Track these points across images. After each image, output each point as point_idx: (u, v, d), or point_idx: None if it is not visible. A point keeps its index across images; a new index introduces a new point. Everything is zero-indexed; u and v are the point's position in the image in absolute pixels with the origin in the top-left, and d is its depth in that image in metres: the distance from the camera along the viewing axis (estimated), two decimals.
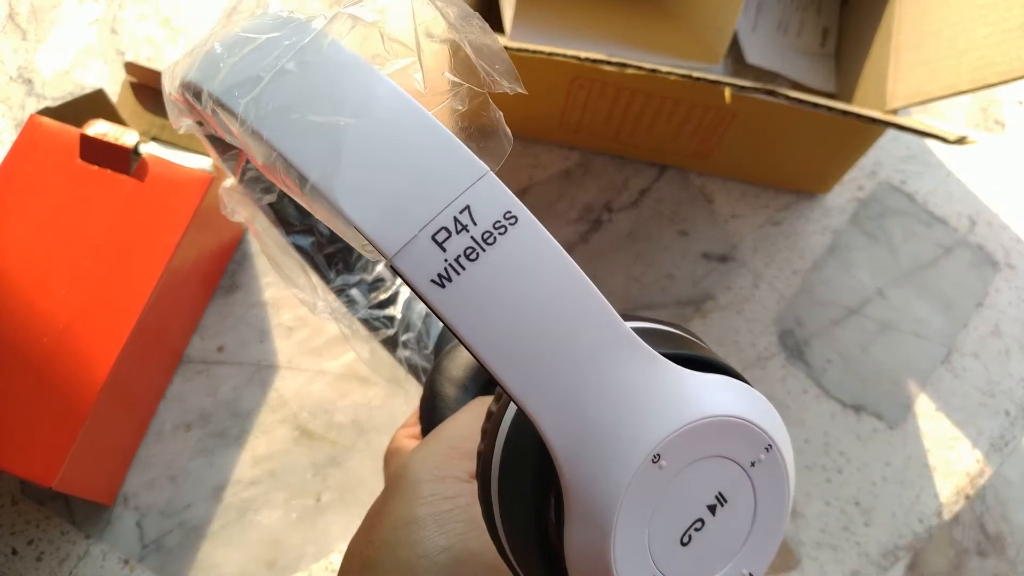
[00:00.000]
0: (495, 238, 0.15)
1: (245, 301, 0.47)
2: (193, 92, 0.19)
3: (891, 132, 0.46)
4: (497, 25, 0.50)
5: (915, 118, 0.45)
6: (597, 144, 0.52)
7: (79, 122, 0.41)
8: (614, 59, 0.41)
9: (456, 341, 0.37)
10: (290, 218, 0.37)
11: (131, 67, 0.50)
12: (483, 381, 0.35)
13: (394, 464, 0.30)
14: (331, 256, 0.39)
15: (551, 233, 0.16)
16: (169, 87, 0.22)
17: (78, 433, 0.37)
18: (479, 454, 0.20)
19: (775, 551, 0.18)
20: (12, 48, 0.53)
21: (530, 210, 0.16)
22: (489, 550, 0.21)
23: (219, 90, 0.17)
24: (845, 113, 0.41)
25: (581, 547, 0.17)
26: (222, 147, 0.33)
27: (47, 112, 0.43)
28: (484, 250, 0.15)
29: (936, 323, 0.50)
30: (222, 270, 0.48)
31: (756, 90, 0.42)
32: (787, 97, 0.41)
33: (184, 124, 0.27)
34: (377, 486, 0.44)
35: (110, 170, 0.41)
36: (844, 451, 0.47)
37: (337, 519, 0.43)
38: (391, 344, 0.40)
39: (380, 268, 0.40)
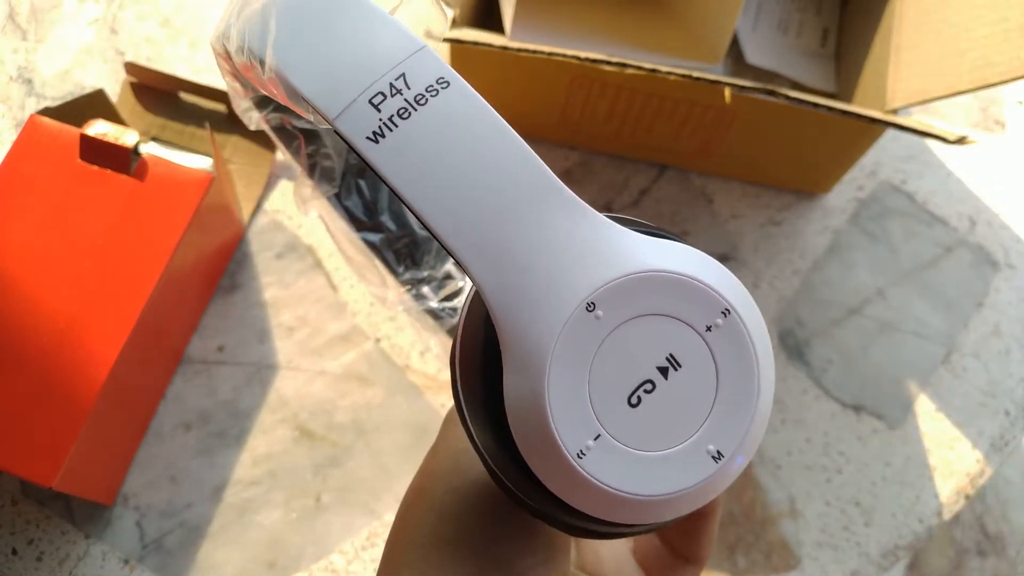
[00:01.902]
0: (427, 99, 0.17)
1: (245, 301, 0.47)
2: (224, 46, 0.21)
3: (891, 132, 0.46)
4: (497, 25, 0.50)
5: (915, 118, 0.45)
6: (597, 144, 0.52)
7: (79, 122, 0.41)
8: (614, 59, 0.41)
9: None
10: (359, 215, 0.38)
11: (131, 67, 0.50)
12: None
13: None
14: (399, 252, 0.40)
15: None
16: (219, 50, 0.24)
17: (78, 433, 0.37)
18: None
19: (748, 433, 0.17)
20: (12, 48, 0.53)
21: None
22: None
23: (224, 30, 0.19)
24: (845, 113, 0.41)
25: (517, 397, 0.16)
26: (285, 139, 0.33)
27: (47, 112, 0.43)
28: (416, 109, 0.17)
29: (936, 323, 0.50)
30: (222, 270, 0.48)
31: (756, 90, 0.42)
32: (787, 97, 0.41)
33: (244, 113, 0.29)
34: (377, 486, 0.44)
35: (110, 170, 0.41)
36: (844, 451, 0.47)
37: (337, 519, 0.43)
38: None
39: (449, 266, 0.41)
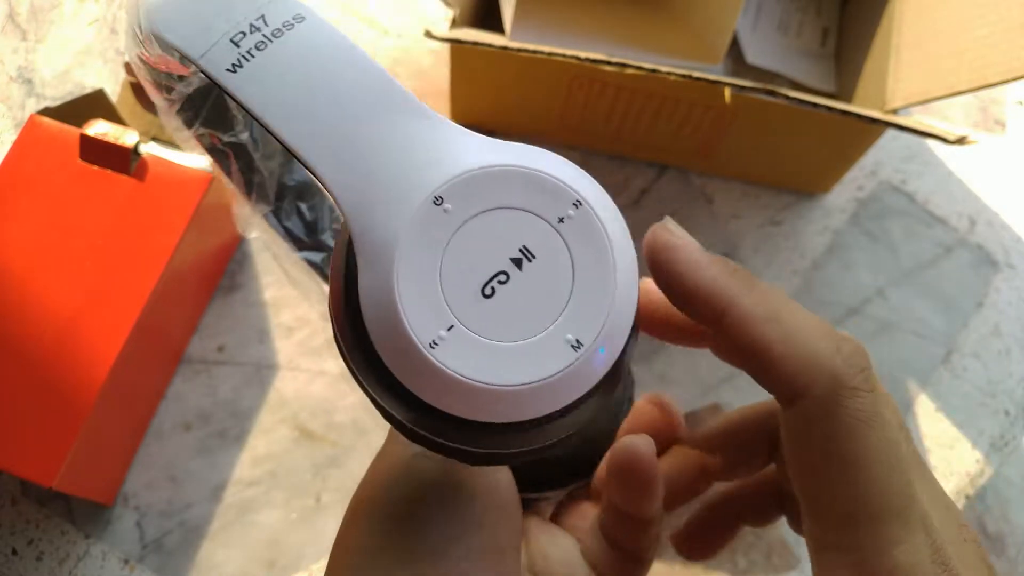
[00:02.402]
0: (283, 33, 0.18)
1: (245, 301, 0.47)
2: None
3: (891, 132, 0.46)
4: (497, 25, 0.50)
5: (915, 118, 0.45)
6: (597, 144, 0.52)
7: (79, 122, 0.41)
8: (614, 59, 0.41)
9: None
10: (299, 235, 0.38)
11: (131, 67, 0.50)
12: None
13: None
14: None
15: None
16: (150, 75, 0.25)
17: (78, 433, 0.37)
18: None
19: (608, 323, 0.17)
20: (12, 48, 0.53)
21: None
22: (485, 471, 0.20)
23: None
24: (845, 113, 0.41)
25: (369, 294, 0.17)
26: (219, 159, 0.33)
27: (47, 112, 0.43)
28: (271, 41, 0.18)
29: (936, 323, 0.50)
30: (222, 270, 0.48)
31: (756, 90, 0.42)
32: (787, 97, 0.41)
33: (184, 139, 0.28)
34: None
35: (110, 170, 0.41)
36: None
37: (337, 519, 0.43)
38: None
39: None
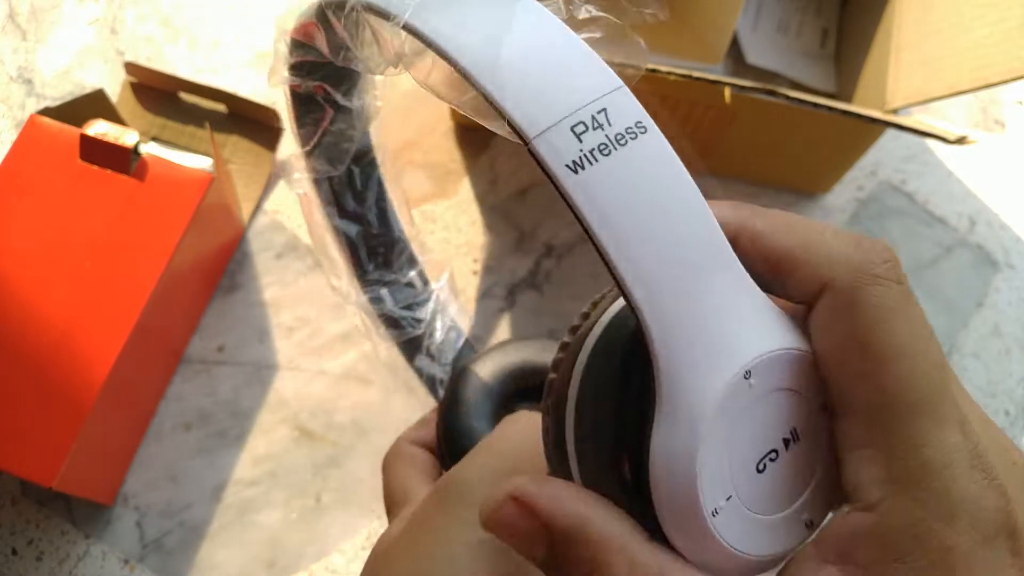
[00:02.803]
0: (627, 140, 0.17)
1: (245, 301, 0.47)
2: (335, 8, 0.21)
3: (891, 132, 0.46)
4: None
5: (915, 118, 0.45)
6: None
7: (79, 122, 0.41)
8: (614, 59, 0.41)
9: (478, 354, 0.36)
10: (345, 202, 0.37)
11: (131, 67, 0.50)
12: (508, 391, 0.34)
13: (417, 478, 0.30)
14: (373, 249, 0.38)
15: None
16: (288, 24, 0.25)
17: (78, 433, 0.37)
18: (550, 383, 0.19)
19: (832, 507, 0.18)
20: (12, 48, 0.53)
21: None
22: None
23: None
24: (845, 113, 0.41)
25: (666, 448, 0.17)
26: (306, 110, 0.32)
27: (47, 112, 0.43)
28: (616, 149, 0.17)
29: (936, 323, 0.50)
30: (222, 270, 0.48)
31: (756, 90, 0.42)
32: (787, 97, 0.41)
33: (280, 77, 0.28)
34: (377, 486, 0.44)
35: (110, 170, 0.41)
36: None
37: (337, 519, 0.43)
38: (411, 348, 0.40)
39: (413, 274, 0.40)
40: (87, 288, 0.39)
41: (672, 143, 0.18)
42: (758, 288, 0.18)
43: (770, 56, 0.54)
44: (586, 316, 0.20)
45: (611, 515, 0.17)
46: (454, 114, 0.52)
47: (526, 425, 0.26)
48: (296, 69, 0.30)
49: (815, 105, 0.41)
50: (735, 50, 0.54)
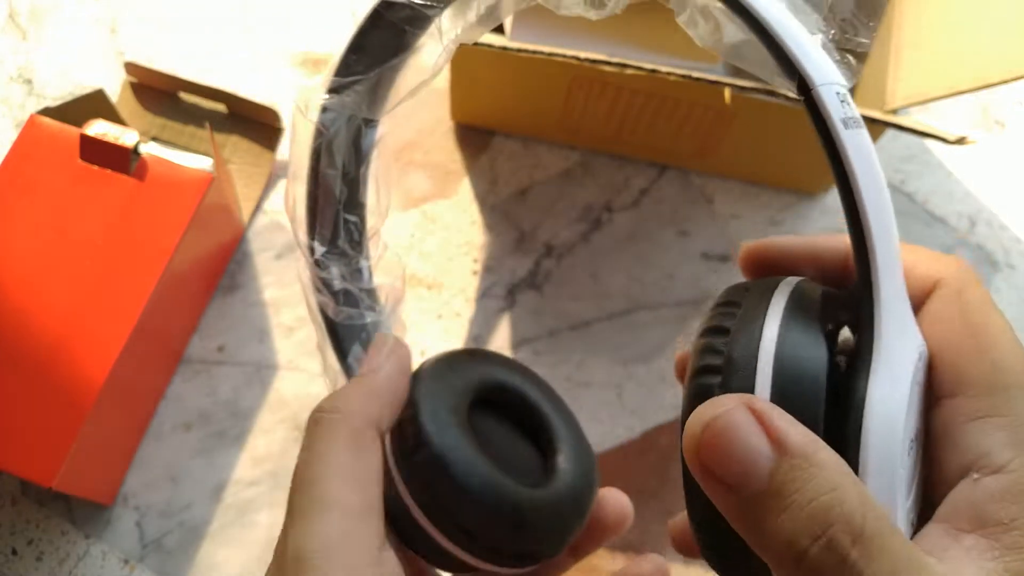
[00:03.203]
0: (860, 126, 0.20)
1: (245, 301, 0.47)
2: None
3: (891, 132, 0.46)
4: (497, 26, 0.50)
5: (915, 118, 0.45)
6: (597, 144, 0.52)
7: (79, 122, 0.41)
8: (614, 59, 0.41)
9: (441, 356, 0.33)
10: (344, 157, 0.33)
11: (131, 67, 0.50)
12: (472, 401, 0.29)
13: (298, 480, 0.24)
14: (348, 219, 0.33)
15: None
16: None
17: (78, 433, 0.37)
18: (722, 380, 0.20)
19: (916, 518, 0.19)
20: (12, 48, 0.53)
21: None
22: None
23: None
24: None
25: (884, 400, 0.18)
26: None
27: (47, 112, 0.43)
28: (858, 127, 0.19)
29: None
30: (222, 270, 0.48)
31: (756, 90, 0.42)
32: (787, 97, 0.41)
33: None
34: None
35: (110, 170, 0.41)
36: None
37: None
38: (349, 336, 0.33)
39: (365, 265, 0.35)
40: (87, 288, 0.39)
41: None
42: None
43: None
44: (724, 321, 0.20)
45: (831, 450, 0.17)
46: (454, 114, 0.52)
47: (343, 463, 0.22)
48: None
49: None
50: None
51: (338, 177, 0.31)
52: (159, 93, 0.51)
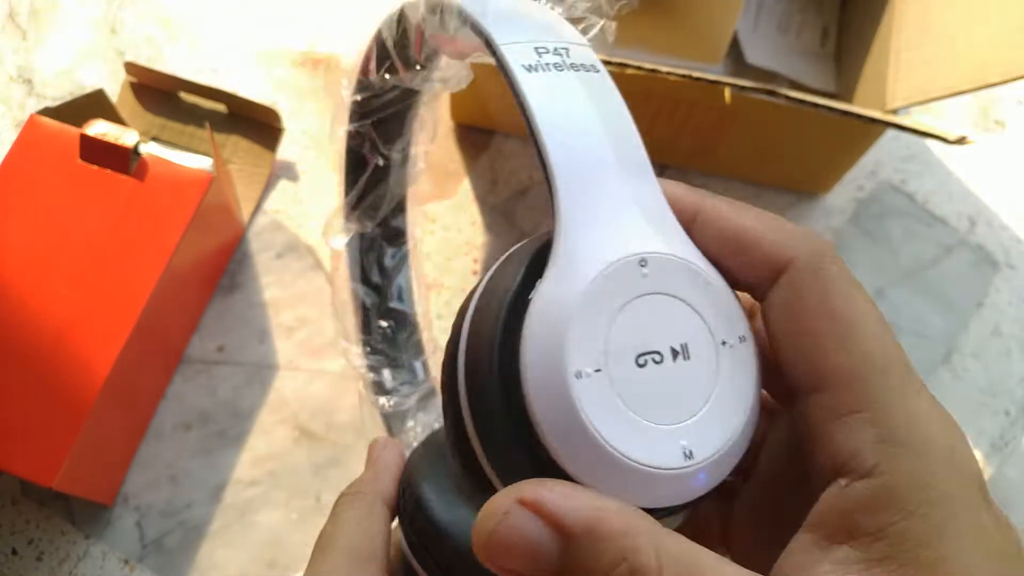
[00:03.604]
0: (580, 70, 0.20)
1: (245, 301, 0.47)
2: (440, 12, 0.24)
3: (891, 132, 0.46)
4: None
5: (915, 118, 0.45)
6: None
7: (79, 122, 0.41)
8: (614, 59, 0.41)
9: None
10: (370, 271, 0.39)
11: (131, 67, 0.50)
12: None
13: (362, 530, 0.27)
14: (379, 325, 0.41)
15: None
16: (387, 31, 0.28)
17: (78, 433, 0.37)
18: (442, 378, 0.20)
19: (722, 453, 0.17)
20: (12, 48, 0.53)
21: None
22: None
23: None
24: (845, 113, 0.41)
25: (546, 303, 0.17)
26: (355, 166, 0.36)
27: (47, 112, 0.43)
28: (567, 70, 0.20)
29: (936, 323, 0.50)
30: (222, 270, 0.48)
31: (756, 90, 0.42)
32: (787, 97, 0.41)
33: (339, 131, 0.30)
34: None
35: (110, 170, 0.41)
36: None
37: None
38: (395, 421, 0.40)
39: (417, 363, 0.41)
40: (87, 288, 0.39)
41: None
42: (671, 211, 0.19)
43: (770, 56, 0.54)
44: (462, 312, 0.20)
45: (620, 504, 0.16)
46: (454, 114, 0.52)
47: (355, 513, 0.27)
48: (359, 106, 0.32)
49: (815, 105, 0.41)
50: (735, 50, 0.54)
51: (370, 291, 0.38)
52: (159, 93, 0.51)
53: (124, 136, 0.41)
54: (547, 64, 0.19)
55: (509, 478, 0.17)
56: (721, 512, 0.22)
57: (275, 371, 0.46)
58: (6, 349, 0.38)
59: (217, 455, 0.44)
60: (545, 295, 0.17)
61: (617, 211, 0.18)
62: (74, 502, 0.43)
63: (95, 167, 0.41)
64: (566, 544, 0.16)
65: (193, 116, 0.50)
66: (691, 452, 0.17)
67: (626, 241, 0.18)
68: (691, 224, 0.19)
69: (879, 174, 0.54)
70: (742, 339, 0.18)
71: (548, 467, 0.17)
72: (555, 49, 0.20)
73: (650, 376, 0.17)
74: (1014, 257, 0.52)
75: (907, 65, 0.45)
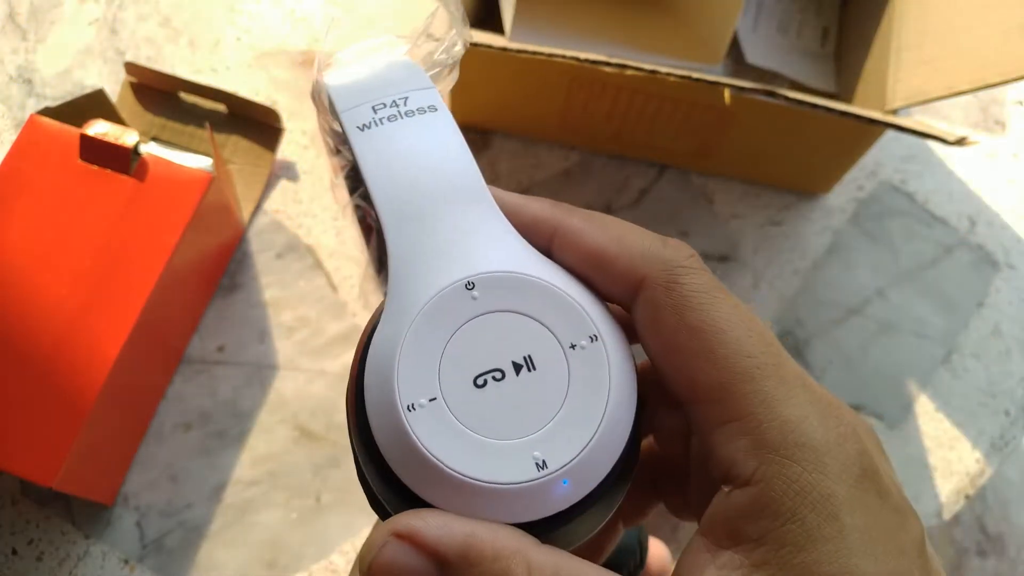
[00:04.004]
0: (414, 115, 0.20)
1: (245, 301, 0.47)
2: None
3: (891, 132, 0.46)
4: (497, 26, 0.50)
5: (915, 118, 0.45)
6: (597, 144, 0.52)
7: (79, 122, 0.41)
8: (614, 60, 0.41)
9: None
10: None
11: (131, 67, 0.50)
12: None
13: None
14: None
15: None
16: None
17: (78, 433, 0.37)
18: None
19: (580, 458, 0.17)
20: (12, 48, 0.53)
21: None
22: None
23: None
24: (845, 113, 0.41)
25: (380, 340, 0.18)
26: (368, 232, 0.35)
27: (47, 112, 0.43)
28: (403, 119, 0.20)
29: (936, 323, 0.50)
30: (222, 270, 0.48)
31: (756, 90, 0.42)
32: (787, 97, 0.41)
33: (342, 200, 0.31)
34: None
35: (110, 170, 0.41)
36: None
37: (337, 519, 0.43)
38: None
39: None
40: (87, 288, 0.39)
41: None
42: (510, 225, 0.19)
43: (770, 56, 0.54)
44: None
45: (493, 525, 0.17)
46: (454, 114, 0.52)
47: None
48: (348, 178, 0.33)
49: (815, 106, 0.41)
50: (735, 50, 0.54)
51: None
52: (159, 93, 0.51)
53: (124, 136, 0.41)
54: (381, 119, 0.20)
55: (397, 507, 0.18)
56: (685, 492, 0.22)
57: (275, 371, 0.46)
58: (6, 349, 0.38)
59: (217, 455, 0.44)
60: (378, 335, 0.18)
61: (445, 242, 0.19)
62: (74, 502, 0.43)
63: (95, 167, 0.41)
64: (443, 572, 0.16)
65: (193, 116, 0.50)
66: (544, 462, 0.17)
67: (450, 268, 0.18)
68: (550, 243, 0.20)
69: (879, 174, 0.54)
70: (593, 338, 0.18)
71: (419, 498, 0.17)
72: (392, 102, 0.21)
73: (492, 395, 0.17)
74: (1014, 257, 0.52)
75: (907, 65, 0.45)
